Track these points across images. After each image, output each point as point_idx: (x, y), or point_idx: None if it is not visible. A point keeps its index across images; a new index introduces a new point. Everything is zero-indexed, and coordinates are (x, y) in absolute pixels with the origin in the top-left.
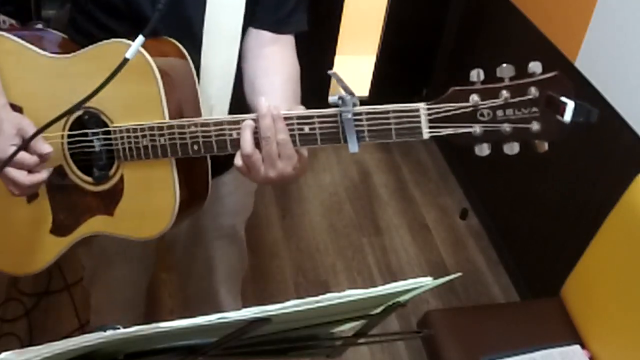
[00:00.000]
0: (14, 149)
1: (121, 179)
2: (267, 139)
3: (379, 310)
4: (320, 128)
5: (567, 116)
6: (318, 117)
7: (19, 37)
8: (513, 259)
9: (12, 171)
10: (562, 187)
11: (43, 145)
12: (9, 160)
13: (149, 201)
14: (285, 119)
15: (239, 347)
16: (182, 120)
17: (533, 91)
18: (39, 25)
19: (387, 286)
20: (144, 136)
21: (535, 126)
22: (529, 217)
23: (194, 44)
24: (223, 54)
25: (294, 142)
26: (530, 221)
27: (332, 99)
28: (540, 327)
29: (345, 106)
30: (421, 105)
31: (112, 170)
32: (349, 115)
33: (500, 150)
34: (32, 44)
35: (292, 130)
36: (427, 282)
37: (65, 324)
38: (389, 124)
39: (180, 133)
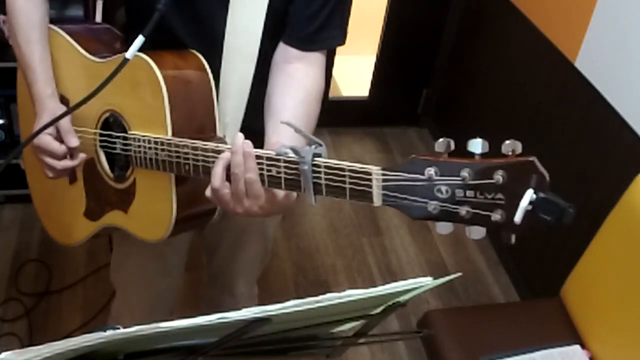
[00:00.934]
0: (47, 137)
1: (134, 182)
2: (235, 175)
3: (379, 310)
4: (285, 173)
5: (518, 217)
6: (284, 161)
7: (70, 33)
8: (513, 259)
9: (45, 157)
10: (562, 186)
11: (71, 139)
12: (14, 154)
13: (152, 208)
14: (257, 157)
15: (239, 347)
16: (178, 139)
17: (499, 175)
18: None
19: (387, 286)
20: (149, 148)
21: (497, 215)
22: None
23: (215, 60)
24: (239, 72)
25: (262, 182)
26: None
27: (280, 149)
28: (540, 327)
29: (302, 158)
30: (374, 170)
31: (128, 173)
32: (305, 167)
33: (464, 230)
34: (78, 42)
35: (262, 170)
36: (427, 282)
37: (65, 324)
38: (344, 182)
39: (176, 152)
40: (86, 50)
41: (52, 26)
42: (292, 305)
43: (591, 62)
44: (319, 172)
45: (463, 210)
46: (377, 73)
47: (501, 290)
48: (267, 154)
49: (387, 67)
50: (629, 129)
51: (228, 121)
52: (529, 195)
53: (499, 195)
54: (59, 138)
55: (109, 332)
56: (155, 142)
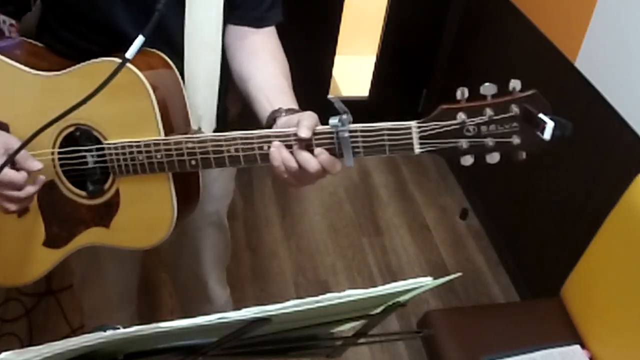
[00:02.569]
0: (5, 168)
1: (117, 192)
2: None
3: (379, 310)
4: (316, 145)
5: (547, 134)
6: (315, 134)
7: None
8: (513, 259)
9: (4, 190)
10: (562, 187)
11: (33, 162)
12: None
13: (146, 213)
14: (288, 147)
15: (239, 347)
16: (179, 137)
17: (514, 108)
18: (12, 35)
19: (387, 286)
20: (139, 152)
21: (515, 140)
22: (529, 217)
23: (176, 55)
24: (205, 62)
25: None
26: (530, 221)
27: (332, 121)
28: (540, 327)
29: (344, 126)
30: (413, 124)
31: (107, 185)
32: (346, 134)
33: (483, 159)
34: (14, 59)
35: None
36: (427, 282)
37: (65, 324)
38: (382, 140)
39: (177, 149)
40: (29, 66)
41: None
42: (292, 305)
43: (591, 62)
44: (356, 137)
45: (489, 141)
46: (377, 73)
47: (501, 290)
48: (286, 131)
49: (387, 67)
50: (629, 129)
51: (201, 113)
52: (545, 117)
53: (515, 124)
54: (14, 164)
55: (109, 332)
56: (147, 145)
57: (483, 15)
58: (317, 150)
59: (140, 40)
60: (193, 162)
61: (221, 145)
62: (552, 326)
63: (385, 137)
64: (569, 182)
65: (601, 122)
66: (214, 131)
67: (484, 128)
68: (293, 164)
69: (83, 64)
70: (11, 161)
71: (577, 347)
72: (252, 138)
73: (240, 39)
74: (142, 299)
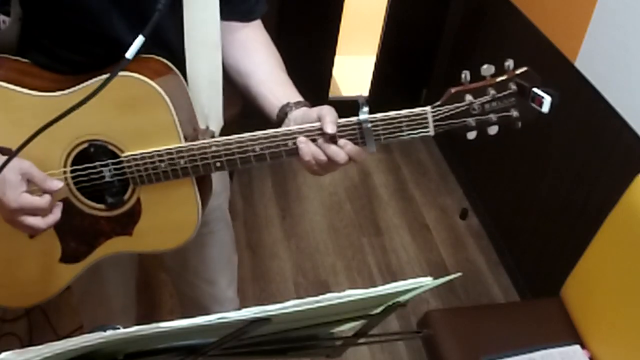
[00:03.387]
0: (25, 196)
1: (138, 201)
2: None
3: (379, 310)
4: (341, 136)
5: (546, 108)
6: (340, 126)
7: None
8: (513, 259)
9: (27, 219)
10: (562, 187)
11: (53, 182)
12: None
13: (170, 217)
14: (312, 141)
15: (239, 347)
16: (203, 142)
17: (511, 85)
18: None
19: (387, 286)
20: (162, 161)
21: (514, 113)
22: (529, 217)
23: (175, 57)
24: (208, 61)
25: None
26: (530, 221)
27: (363, 116)
28: (540, 327)
29: (367, 119)
30: (428, 109)
31: (127, 195)
32: (369, 125)
33: (485, 132)
34: (12, 82)
35: (314, 138)
36: (427, 282)
37: (65, 324)
38: (401, 126)
39: (201, 154)
40: (30, 88)
41: None
42: (292, 305)
43: (591, 62)
44: (377, 126)
45: (492, 117)
46: (377, 73)
47: (501, 290)
48: (313, 126)
49: (387, 67)
50: (629, 129)
51: (207, 112)
52: (539, 91)
53: (512, 99)
54: (33, 191)
55: (109, 332)
56: (169, 153)
57: (483, 15)
58: (342, 141)
59: (140, 40)
60: (218, 164)
61: (246, 146)
62: (552, 326)
63: (404, 124)
64: (569, 182)
65: (601, 122)
66: (222, 128)
67: (487, 106)
68: (322, 157)
69: (92, 81)
70: (4, 166)
71: (577, 347)
72: (277, 136)
73: (230, 34)
74: (142, 299)
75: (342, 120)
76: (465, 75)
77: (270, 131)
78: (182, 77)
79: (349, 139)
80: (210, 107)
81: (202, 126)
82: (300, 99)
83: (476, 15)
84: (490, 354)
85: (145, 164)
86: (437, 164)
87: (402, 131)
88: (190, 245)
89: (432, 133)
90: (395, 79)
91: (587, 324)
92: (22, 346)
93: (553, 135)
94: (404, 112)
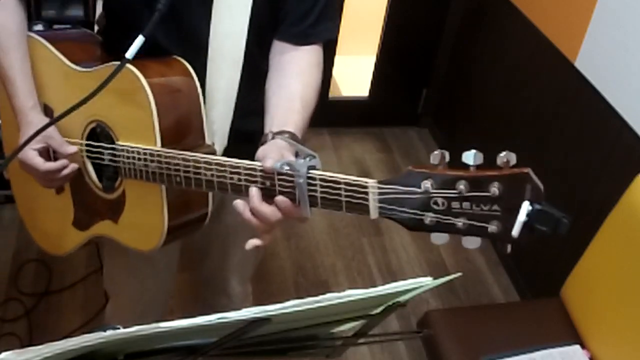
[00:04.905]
0: (35, 153)
1: (123, 193)
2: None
3: (379, 310)
4: (280, 186)
5: (515, 231)
6: (278, 174)
7: (50, 40)
8: (513, 259)
9: (41, 172)
10: (562, 187)
11: (68, 147)
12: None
13: (143, 219)
14: (250, 169)
15: (239, 347)
16: (169, 151)
17: (495, 188)
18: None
19: (387, 286)
20: (138, 159)
21: (492, 227)
22: None
23: (200, 67)
24: (225, 77)
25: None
26: None
27: (275, 165)
28: (540, 327)
29: (297, 171)
30: (371, 183)
31: (117, 183)
32: (301, 180)
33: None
34: (60, 50)
35: (255, 182)
36: (427, 282)
37: (65, 324)
38: (339, 195)
39: (166, 163)
40: (68, 58)
41: (32, 34)
42: (292, 305)
43: (591, 62)
44: (315, 185)
45: (459, 222)
46: (377, 73)
47: (501, 290)
48: (261, 166)
49: (387, 67)
50: (629, 129)
51: (216, 128)
52: (526, 207)
53: (495, 207)
54: (43, 154)
55: (109, 332)
56: (145, 154)
57: (483, 15)
58: (277, 197)
59: (140, 40)
60: (178, 179)
61: (200, 169)
62: (552, 326)
63: (342, 192)
64: (569, 182)
65: (601, 122)
66: (224, 149)
67: (455, 204)
68: (254, 221)
69: (105, 65)
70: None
71: (577, 347)
72: (224, 166)
73: (279, 54)
74: None
75: (285, 169)
76: (442, 155)
77: (222, 159)
78: (198, 87)
79: (286, 192)
80: (219, 125)
81: (208, 142)
82: (289, 129)
83: (476, 15)
84: (490, 354)
85: (128, 157)
86: None
87: (340, 202)
88: (213, 244)
89: (374, 216)
90: (395, 79)
91: (587, 324)
92: (22, 346)
93: (553, 135)
94: (346, 177)
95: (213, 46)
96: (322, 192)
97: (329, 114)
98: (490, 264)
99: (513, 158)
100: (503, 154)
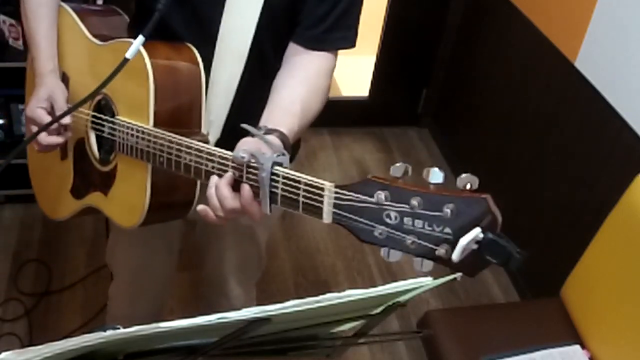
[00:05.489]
0: (41, 111)
1: (115, 166)
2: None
3: (379, 310)
4: (247, 178)
5: (455, 255)
6: (247, 167)
7: (78, 13)
8: None
9: (33, 129)
10: (562, 187)
11: (65, 118)
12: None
13: (128, 195)
14: (222, 158)
15: (239, 347)
16: (156, 130)
17: (448, 209)
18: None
19: (387, 286)
20: (131, 135)
21: (441, 250)
22: (529, 217)
23: (209, 57)
24: (229, 70)
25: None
26: (530, 221)
27: (237, 154)
28: (540, 327)
29: (261, 164)
30: (327, 186)
31: (112, 157)
32: (264, 174)
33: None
34: (84, 22)
35: (226, 170)
36: (427, 282)
37: (65, 324)
38: (298, 195)
39: (154, 142)
40: (90, 31)
41: (63, 4)
42: (292, 305)
43: (591, 62)
44: (277, 182)
45: (409, 239)
46: (377, 73)
47: (501, 290)
48: (228, 155)
49: (387, 67)
50: (629, 129)
51: (212, 119)
52: (474, 233)
53: (447, 230)
54: (53, 114)
55: (109, 332)
56: (137, 131)
57: (483, 15)
58: (243, 185)
59: (140, 40)
60: (161, 160)
61: (180, 151)
62: (552, 326)
63: (301, 192)
64: (569, 182)
65: (601, 122)
66: (216, 141)
67: (407, 220)
68: (214, 200)
69: (115, 40)
70: (44, 129)
71: (577, 347)
72: (202, 152)
73: (291, 55)
74: None
75: (251, 162)
76: (405, 169)
77: (201, 145)
78: (202, 75)
79: (252, 185)
80: (216, 115)
81: (204, 131)
82: (282, 129)
83: (476, 15)
84: (490, 354)
85: (123, 132)
86: (437, 164)
87: (297, 202)
88: (213, 244)
89: (327, 220)
90: (395, 79)
91: (587, 324)
92: (22, 346)
93: (553, 135)
94: (306, 177)
95: (222, 38)
96: (282, 190)
97: (329, 114)
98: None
99: (475, 182)
100: (464, 175)
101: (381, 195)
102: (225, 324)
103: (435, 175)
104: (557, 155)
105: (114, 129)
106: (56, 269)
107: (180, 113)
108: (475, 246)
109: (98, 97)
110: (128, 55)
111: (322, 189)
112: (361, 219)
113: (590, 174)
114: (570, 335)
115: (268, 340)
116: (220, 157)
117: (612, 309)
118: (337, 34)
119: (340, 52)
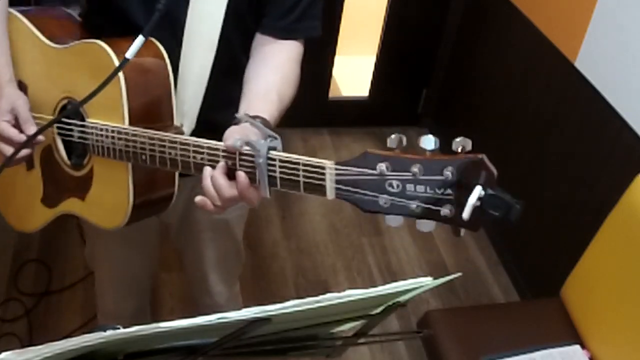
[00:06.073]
0: (4, 123)
1: (91, 170)
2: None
3: (379, 310)
4: (241, 165)
5: (466, 213)
6: (240, 154)
7: (28, 17)
8: (513, 259)
9: (1, 143)
10: (562, 187)
11: (30, 128)
12: (11, 159)
13: (109, 196)
14: (211, 148)
15: (239, 347)
16: (135, 129)
17: (449, 172)
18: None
19: (387, 286)
20: (107, 137)
21: (445, 210)
22: (529, 217)
23: (174, 48)
24: (199, 60)
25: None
26: (530, 221)
27: (235, 143)
28: (540, 327)
29: (257, 151)
30: (328, 164)
31: (86, 160)
32: (260, 160)
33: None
34: (37, 27)
35: (218, 161)
36: (427, 282)
37: (65, 324)
38: (297, 175)
39: (133, 142)
40: (45, 35)
41: (11, 10)
42: (292, 305)
43: (591, 62)
44: (274, 166)
45: (413, 204)
46: (377, 73)
47: (501, 290)
48: (218, 145)
49: (387, 67)
50: (629, 129)
51: (186, 110)
52: (478, 191)
53: (448, 191)
54: (17, 125)
55: (109, 332)
56: (113, 131)
57: (483, 15)
58: (238, 173)
59: (140, 40)
60: (143, 157)
61: (164, 147)
62: (552, 326)
63: (301, 173)
64: (569, 182)
65: (601, 122)
66: (192, 132)
67: (409, 187)
68: (211, 191)
69: (78, 42)
70: (21, 148)
71: (577, 347)
72: (188, 145)
73: (260, 46)
74: None
75: (245, 149)
76: (400, 139)
77: (186, 139)
78: (169, 68)
79: (248, 172)
80: (190, 106)
81: (177, 123)
82: (264, 115)
83: (476, 15)
84: (490, 354)
85: (97, 134)
86: None
87: (298, 181)
88: (189, 242)
89: (330, 196)
90: (395, 79)
91: (587, 324)
92: (22, 346)
93: (553, 135)
94: (305, 158)
95: (189, 27)
96: (281, 173)
97: (329, 114)
98: (490, 264)
99: (469, 144)
100: (459, 139)
101: (382, 166)
102: (225, 324)
103: (429, 142)
104: (557, 155)
105: (86, 133)
106: (56, 269)
107: (152, 108)
108: (477, 203)
109: (63, 102)
110: (128, 55)
111: (323, 167)
112: (364, 191)
113: (590, 174)
114: (570, 335)
115: (268, 340)
116: (209, 148)
117: (612, 309)
118: (306, 23)
119: (340, 52)
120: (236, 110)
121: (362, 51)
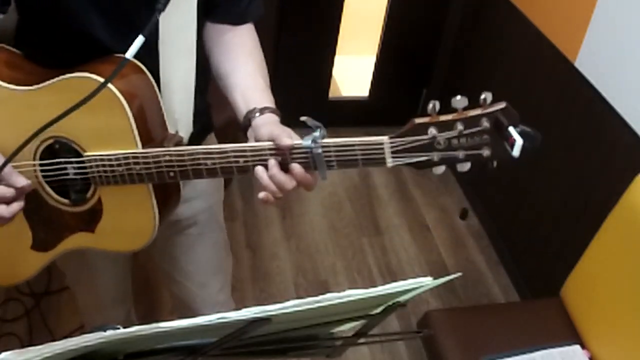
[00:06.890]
0: None
1: (99, 201)
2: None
3: (379, 310)
4: (291, 158)
5: (516, 151)
6: (293, 148)
7: None
8: (513, 259)
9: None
10: (562, 187)
11: (18, 179)
12: None
13: (129, 220)
14: (258, 149)
15: (239, 347)
16: (158, 150)
17: (484, 122)
18: None
19: (387, 286)
20: (119, 165)
21: (486, 151)
22: (529, 217)
23: (151, 57)
24: (181, 66)
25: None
26: (530, 221)
27: (305, 142)
28: (540, 327)
29: (316, 143)
30: (385, 139)
31: (89, 193)
32: (319, 150)
33: (454, 169)
34: None
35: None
36: (427, 282)
37: (65, 324)
38: (355, 154)
39: (155, 162)
40: (5, 81)
41: None
42: (292, 305)
43: (591, 62)
44: (330, 152)
45: (460, 154)
46: (377, 73)
47: (501, 290)
48: (264, 145)
49: (387, 67)
50: (629, 129)
51: (178, 117)
52: (514, 131)
53: (485, 137)
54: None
55: (109, 332)
56: (126, 158)
57: (483, 15)
58: (294, 165)
59: (140, 40)
60: (171, 174)
61: (199, 159)
62: (552, 326)
63: (358, 152)
64: (569, 182)
65: (601, 122)
66: (191, 134)
67: (454, 141)
68: (273, 187)
69: (57, 79)
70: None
71: (577, 347)
72: (227, 152)
73: (218, 35)
74: (142, 299)
75: (295, 142)
76: (434, 105)
77: (222, 146)
78: (152, 80)
79: (302, 162)
80: (181, 113)
81: (171, 131)
82: (269, 105)
83: (476, 15)
84: (490, 354)
85: (104, 165)
86: None
87: (356, 160)
88: (178, 245)
89: (389, 165)
90: (395, 79)
91: (587, 324)
92: (22, 346)
93: (553, 135)
94: (360, 139)
95: (164, 38)
96: (337, 157)
97: (329, 114)
98: (490, 264)
99: (490, 96)
100: (483, 95)
101: (433, 130)
102: (225, 324)
103: (461, 102)
104: (557, 155)
105: (83, 167)
106: (56, 269)
107: (153, 124)
108: (521, 140)
109: (46, 144)
110: (128, 55)
111: (381, 143)
112: (418, 154)
113: (590, 173)
114: (570, 335)
115: (268, 340)
116: (251, 150)
117: (612, 309)
118: (253, 5)
119: (340, 52)
120: (230, 106)
121: (362, 51)
